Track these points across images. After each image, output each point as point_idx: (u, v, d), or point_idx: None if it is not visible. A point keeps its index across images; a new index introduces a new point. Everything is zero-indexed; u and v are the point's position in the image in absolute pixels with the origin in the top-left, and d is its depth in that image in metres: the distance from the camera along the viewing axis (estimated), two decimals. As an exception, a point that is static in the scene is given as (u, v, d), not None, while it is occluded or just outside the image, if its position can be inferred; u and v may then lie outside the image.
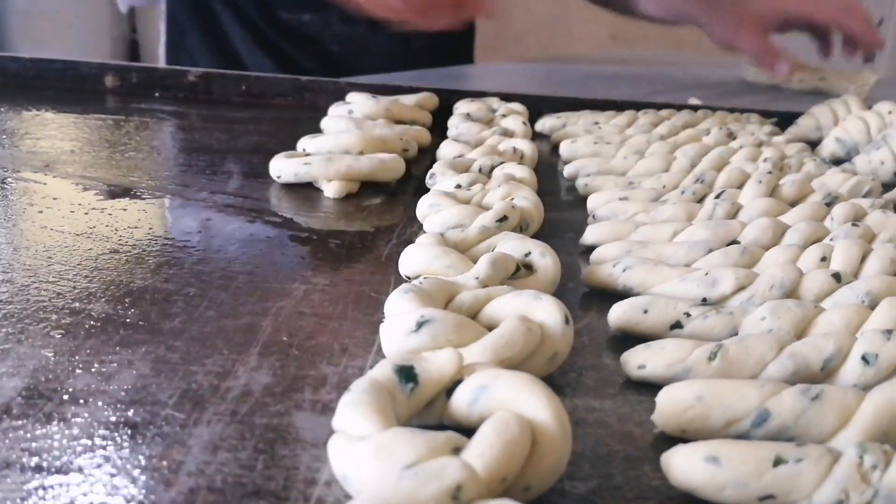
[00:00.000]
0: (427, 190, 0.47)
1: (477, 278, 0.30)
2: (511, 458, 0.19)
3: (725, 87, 0.89)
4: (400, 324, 0.25)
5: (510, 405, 0.21)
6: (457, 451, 0.19)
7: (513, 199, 0.39)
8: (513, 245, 0.33)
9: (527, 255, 0.32)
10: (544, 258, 0.32)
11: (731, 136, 0.57)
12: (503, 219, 0.36)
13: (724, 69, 0.99)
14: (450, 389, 0.22)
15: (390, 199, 0.45)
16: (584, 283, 0.34)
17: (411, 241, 0.38)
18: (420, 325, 0.25)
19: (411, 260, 0.32)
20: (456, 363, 0.22)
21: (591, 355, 0.29)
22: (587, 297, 0.34)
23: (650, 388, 0.26)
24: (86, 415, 0.22)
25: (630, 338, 0.30)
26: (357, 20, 0.91)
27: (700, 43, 0.93)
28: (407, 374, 0.22)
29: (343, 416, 0.20)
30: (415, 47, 0.94)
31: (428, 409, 0.22)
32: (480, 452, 0.19)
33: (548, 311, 0.27)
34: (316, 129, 0.56)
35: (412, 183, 0.48)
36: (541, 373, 0.25)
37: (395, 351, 0.25)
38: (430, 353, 0.23)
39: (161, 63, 0.95)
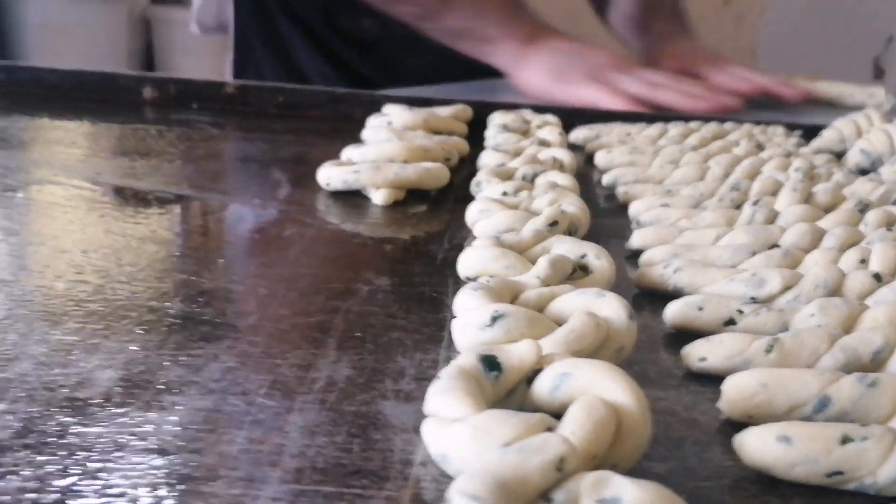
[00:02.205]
0: (470, 197, 0.49)
1: (538, 278, 0.31)
2: (600, 436, 0.20)
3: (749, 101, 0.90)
4: (474, 319, 0.26)
5: (592, 390, 0.22)
6: (549, 430, 0.20)
7: (560, 204, 0.40)
8: (568, 247, 0.34)
9: (582, 256, 0.34)
10: (599, 260, 0.33)
11: (760, 147, 0.58)
12: (553, 223, 0.38)
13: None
14: (530, 378, 0.24)
15: (434, 207, 0.46)
16: (635, 284, 0.35)
17: (463, 246, 0.40)
18: (494, 319, 0.26)
19: (470, 261, 0.33)
20: (536, 353, 0.24)
21: (648, 351, 0.30)
22: (637, 297, 0.35)
23: (709, 379, 0.28)
24: (183, 403, 0.24)
25: (683, 335, 0.31)
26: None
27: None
28: (491, 363, 0.23)
29: (436, 402, 0.22)
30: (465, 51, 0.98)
31: (509, 397, 0.24)
32: (573, 431, 0.20)
33: (612, 307, 0.28)
34: (354, 140, 0.57)
35: (453, 191, 0.49)
36: (608, 365, 0.27)
37: (468, 344, 0.27)
38: (510, 344, 0.24)
39: (228, 79, 1.00)
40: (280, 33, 1.01)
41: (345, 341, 0.28)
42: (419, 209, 0.46)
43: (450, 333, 0.29)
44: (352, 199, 0.46)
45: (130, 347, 0.27)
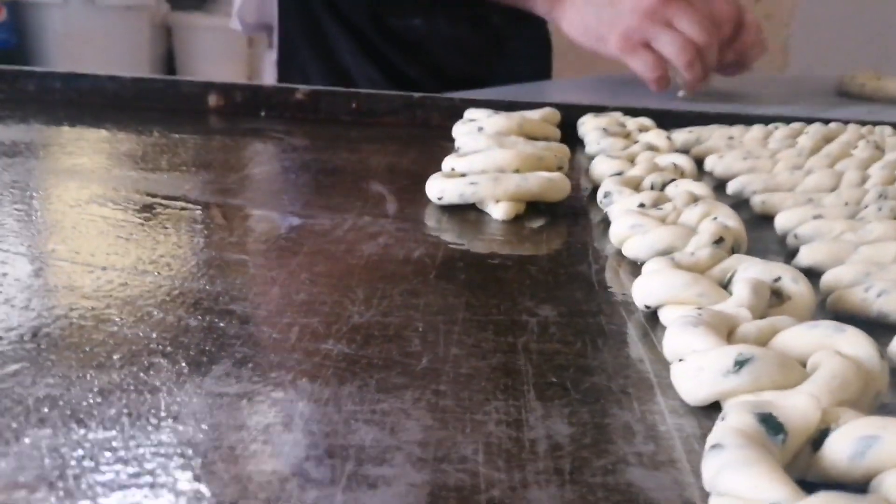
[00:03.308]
0: (583, 209, 0.45)
1: (743, 308, 0.27)
2: (963, 527, 0.16)
3: (822, 100, 0.86)
4: (712, 363, 0.22)
5: (910, 460, 0.18)
6: (895, 519, 0.16)
7: (716, 218, 0.36)
8: (758, 270, 0.30)
9: (776, 280, 0.30)
10: (797, 284, 0.29)
11: (879, 148, 0.54)
12: (719, 241, 0.34)
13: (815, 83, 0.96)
14: (814, 440, 0.20)
15: (552, 220, 0.42)
16: (829, 309, 0.31)
17: (611, 266, 0.36)
18: (740, 364, 0.22)
19: (654, 288, 0.29)
20: (819, 409, 0.20)
21: (877, 392, 0.26)
22: (829, 324, 0.31)
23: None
24: (394, 477, 0.20)
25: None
26: (462, 23, 0.92)
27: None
28: (774, 424, 0.19)
29: (732, 480, 0.17)
30: (509, 51, 0.94)
31: (792, 464, 0.20)
32: (934, 522, 0.16)
33: (859, 346, 0.24)
34: (438, 147, 0.53)
35: (565, 202, 0.45)
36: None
37: (705, 395, 0.23)
38: (782, 399, 0.20)
39: (269, 82, 0.96)
40: (325, 34, 0.97)
41: (543, 389, 0.24)
42: (538, 223, 0.42)
43: (655, 375, 0.26)
44: (464, 213, 0.42)
45: (301, 403, 0.23)
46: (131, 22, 1.94)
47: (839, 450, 0.19)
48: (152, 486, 0.19)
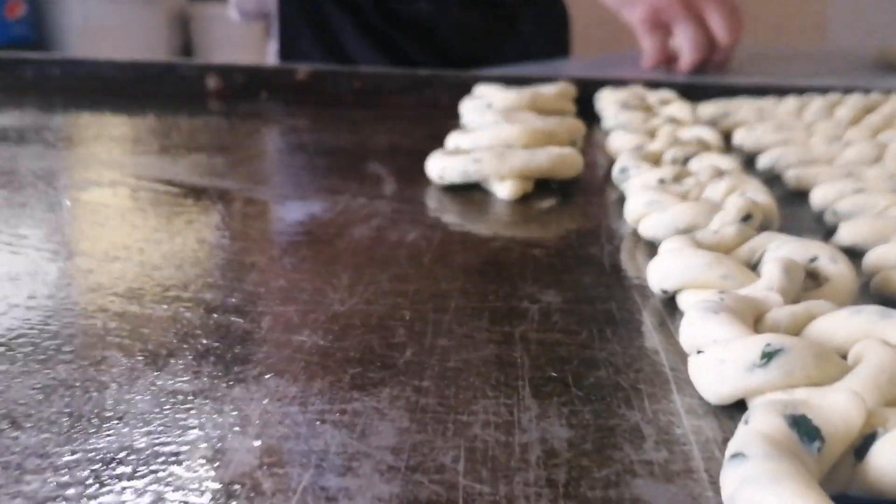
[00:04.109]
0: (597, 187, 0.42)
1: (773, 291, 0.24)
2: None
3: (860, 72, 0.81)
4: (736, 355, 0.19)
5: (979, 473, 0.15)
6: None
7: (745, 193, 0.33)
8: (792, 248, 0.26)
9: (812, 260, 0.26)
10: (836, 264, 0.26)
11: (924, 118, 0.50)
12: (747, 217, 0.30)
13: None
14: (857, 447, 0.16)
15: (564, 200, 0.39)
16: (875, 291, 0.28)
17: (627, 247, 0.33)
18: (768, 356, 0.19)
19: (671, 270, 0.26)
20: (863, 410, 0.16)
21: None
22: (872, 309, 0.27)
23: None
24: (360, 489, 0.17)
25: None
26: (474, 7, 0.89)
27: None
28: (808, 429, 0.16)
29: (757, 497, 0.14)
30: (522, 32, 0.91)
31: (831, 475, 0.16)
32: None
33: (910, 334, 0.20)
34: (447, 127, 0.50)
35: (578, 180, 0.42)
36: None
37: (728, 392, 0.19)
38: (818, 397, 0.17)
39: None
40: (328, 19, 0.93)
41: (540, 385, 0.21)
42: (548, 203, 0.38)
43: (671, 369, 0.22)
44: (467, 193, 0.39)
45: (263, 402, 0.20)
46: (149, 14, 1.93)
47: (888, 459, 0.16)
48: (79, 497, 0.16)
